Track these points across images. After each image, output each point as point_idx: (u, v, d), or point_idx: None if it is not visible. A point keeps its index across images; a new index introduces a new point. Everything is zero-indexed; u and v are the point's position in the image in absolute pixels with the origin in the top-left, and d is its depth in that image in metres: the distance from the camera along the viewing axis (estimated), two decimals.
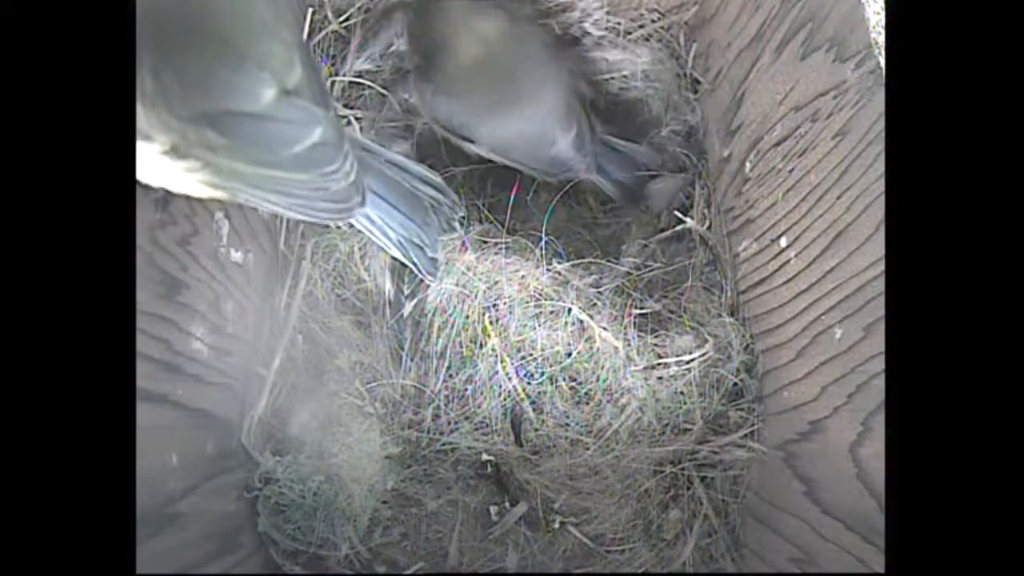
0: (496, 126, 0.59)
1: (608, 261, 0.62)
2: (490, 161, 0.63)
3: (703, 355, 0.57)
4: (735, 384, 0.58)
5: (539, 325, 0.58)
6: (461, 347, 0.58)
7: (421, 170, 0.48)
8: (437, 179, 0.48)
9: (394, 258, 0.48)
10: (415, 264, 0.48)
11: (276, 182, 0.38)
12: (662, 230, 0.66)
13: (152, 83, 0.31)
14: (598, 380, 0.57)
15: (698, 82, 0.70)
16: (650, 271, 0.63)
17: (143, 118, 0.32)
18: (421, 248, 0.48)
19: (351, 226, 0.46)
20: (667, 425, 0.58)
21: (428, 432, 0.58)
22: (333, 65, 0.66)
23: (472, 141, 0.61)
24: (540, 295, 0.59)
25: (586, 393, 0.58)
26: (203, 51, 0.33)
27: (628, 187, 0.65)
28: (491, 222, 0.62)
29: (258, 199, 0.39)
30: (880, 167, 0.42)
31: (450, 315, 0.58)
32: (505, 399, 0.58)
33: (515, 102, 0.59)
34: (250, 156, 0.36)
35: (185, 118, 0.33)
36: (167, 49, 0.32)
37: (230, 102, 0.35)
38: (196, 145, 0.34)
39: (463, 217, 0.52)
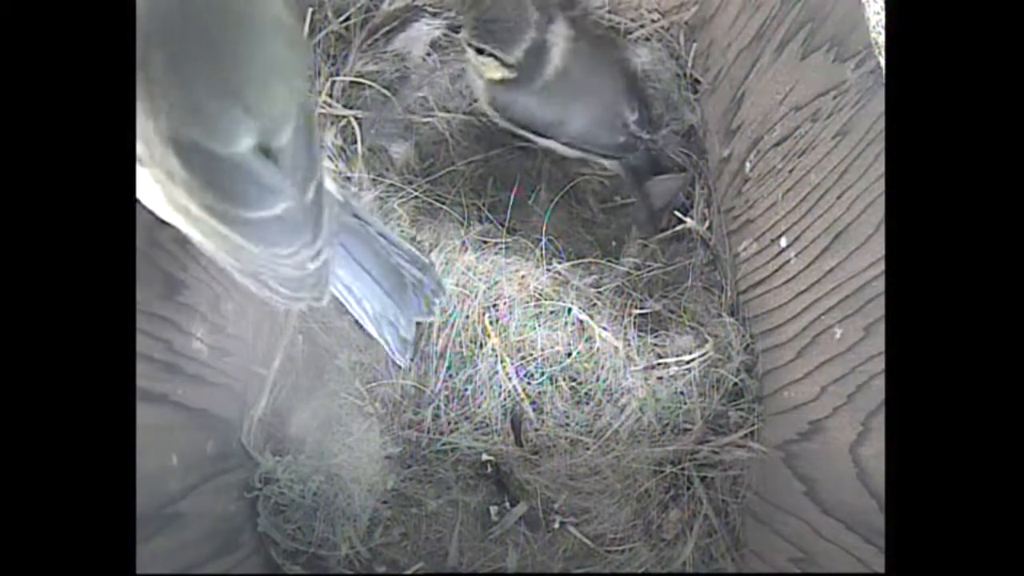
0: (580, 118, 0.63)
1: (608, 261, 0.62)
2: (524, 142, 0.67)
3: (703, 355, 0.57)
4: (735, 384, 0.58)
5: (539, 325, 0.58)
6: (461, 347, 0.58)
7: (409, 247, 0.48)
8: (423, 258, 0.48)
9: (367, 333, 0.48)
10: (386, 343, 0.47)
11: (225, 241, 0.36)
12: (662, 230, 0.66)
13: (153, 87, 0.31)
14: (598, 380, 0.57)
15: (698, 82, 0.70)
16: (650, 271, 0.63)
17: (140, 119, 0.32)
18: (395, 327, 0.47)
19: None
20: (667, 425, 0.58)
21: (428, 432, 0.58)
22: (334, 65, 0.66)
23: (550, 136, 0.64)
24: (540, 295, 0.59)
25: (586, 393, 0.58)
26: (205, 76, 0.33)
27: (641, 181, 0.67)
28: (491, 222, 0.62)
29: (208, 249, 0.37)
30: (880, 167, 0.42)
31: (450, 315, 0.58)
32: (505, 399, 0.58)
33: (593, 93, 0.63)
34: (204, 200, 0.34)
35: (161, 133, 0.32)
36: (178, 60, 0.32)
37: (203, 134, 0.33)
38: (157, 166, 0.33)
39: (442, 301, 0.52)
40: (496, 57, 0.59)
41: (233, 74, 0.34)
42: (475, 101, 0.67)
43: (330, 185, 0.43)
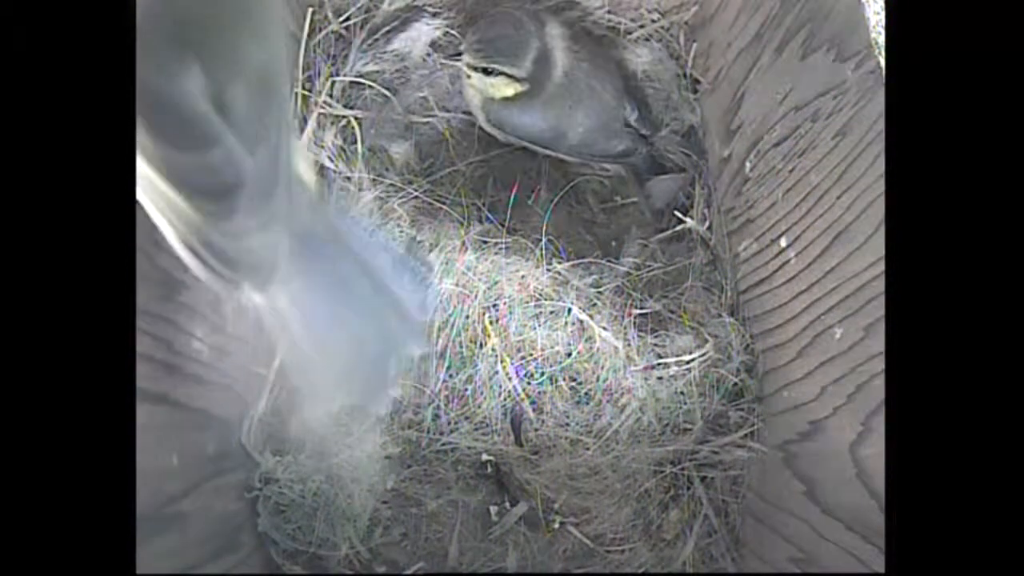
0: (580, 125, 0.63)
1: (608, 261, 0.62)
2: (507, 145, 0.66)
3: (703, 355, 0.57)
4: (735, 384, 0.58)
5: (539, 325, 0.58)
6: (461, 347, 0.58)
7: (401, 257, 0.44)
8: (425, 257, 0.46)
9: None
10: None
11: (152, 189, 0.34)
12: (662, 230, 0.66)
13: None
14: (598, 380, 0.57)
15: (698, 82, 0.70)
16: (650, 271, 0.63)
17: None
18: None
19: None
20: (667, 425, 0.58)
21: (428, 432, 0.58)
22: (333, 65, 0.66)
23: (552, 148, 0.64)
24: (540, 295, 0.59)
25: (586, 393, 0.58)
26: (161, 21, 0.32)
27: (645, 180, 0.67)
28: (491, 222, 0.62)
29: (147, 207, 0.35)
30: (880, 167, 0.42)
31: (450, 315, 0.58)
32: (505, 399, 0.58)
33: (595, 95, 0.63)
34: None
35: None
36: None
37: (145, 69, 0.31)
38: None
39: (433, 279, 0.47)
40: (506, 74, 0.58)
41: (193, 24, 0.33)
42: (468, 113, 0.67)
43: (308, 178, 0.41)
